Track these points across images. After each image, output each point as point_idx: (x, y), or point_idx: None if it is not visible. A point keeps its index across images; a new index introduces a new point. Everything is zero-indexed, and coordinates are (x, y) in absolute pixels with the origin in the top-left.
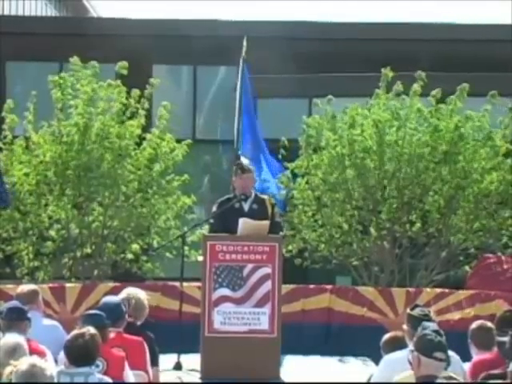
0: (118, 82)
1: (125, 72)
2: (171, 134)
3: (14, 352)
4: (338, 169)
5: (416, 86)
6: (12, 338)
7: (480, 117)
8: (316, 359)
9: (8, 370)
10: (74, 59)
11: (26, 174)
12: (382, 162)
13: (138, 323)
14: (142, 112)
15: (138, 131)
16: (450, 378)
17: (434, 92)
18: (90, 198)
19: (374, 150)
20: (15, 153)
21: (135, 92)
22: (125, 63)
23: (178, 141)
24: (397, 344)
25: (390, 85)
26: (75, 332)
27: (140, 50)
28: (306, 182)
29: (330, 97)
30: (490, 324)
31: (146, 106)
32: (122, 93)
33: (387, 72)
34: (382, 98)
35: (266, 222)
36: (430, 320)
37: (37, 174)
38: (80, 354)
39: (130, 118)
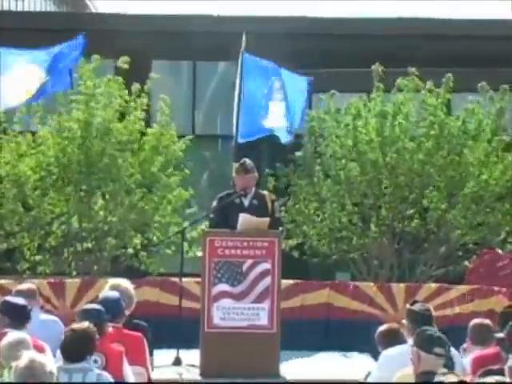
0: (119, 77)
1: (126, 66)
2: (172, 129)
3: (18, 346)
4: (340, 161)
5: (413, 81)
6: (16, 333)
7: (474, 109)
8: (315, 355)
9: (13, 364)
10: (97, 57)
11: (33, 169)
12: (383, 154)
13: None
14: (141, 106)
15: (138, 126)
16: (449, 373)
17: (427, 86)
18: (91, 193)
19: (376, 141)
20: (21, 147)
21: (135, 86)
22: (126, 58)
23: (178, 136)
24: (393, 337)
25: (384, 80)
26: (67, 328)
27: (139, 45)
28: (309, 175)
29: (333, 91)
30: (488, 321)
31: (146, 100)
32: (122, 89)
33: (377, 68)
34: (380, 92)
35: (266, 219)
36: (430, 315)
37: (41, 169)
38: (71, 350)
39: (131, 113)
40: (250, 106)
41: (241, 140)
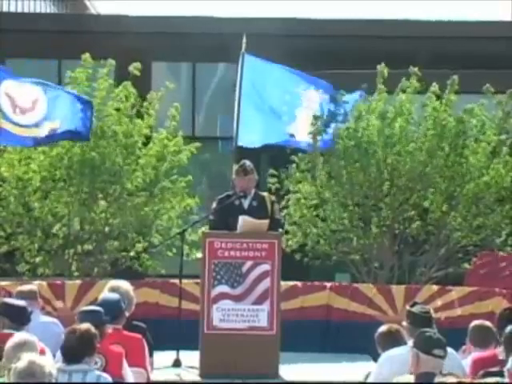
0: (128, 82)
1: (137, 73)
2: (179, 135)
3: (21, 347)
4: (344, 161)
5: (414, 82)
6: (21, 335)
7: (477, 109)
8: (315, 356)
9: (13, 365)
10: (86, 56)
11: (35, 171)
12: (384, 154)
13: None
14: (152, 112)
15: (146, 131)
16: (449, 374)
17: (432, 88)
18: (94, 195)
19: (376, 141)
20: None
21: (151, 95)
22: (138, 64)
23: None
24: (393, 338)
25: (387, 82)
26: (67, 329)
27: (139, 47)
28: (312, 177)
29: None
30: (488, 323)
31: (157, 107)
32: (131, 93)
33: (382, 68)
34: (382, 93)
35: (266, 221)
36: (430, 317)
37: (43, 170)
38: (71, 352)
39: (138, 117)
40: (251, 108)
41: (240, 144)
